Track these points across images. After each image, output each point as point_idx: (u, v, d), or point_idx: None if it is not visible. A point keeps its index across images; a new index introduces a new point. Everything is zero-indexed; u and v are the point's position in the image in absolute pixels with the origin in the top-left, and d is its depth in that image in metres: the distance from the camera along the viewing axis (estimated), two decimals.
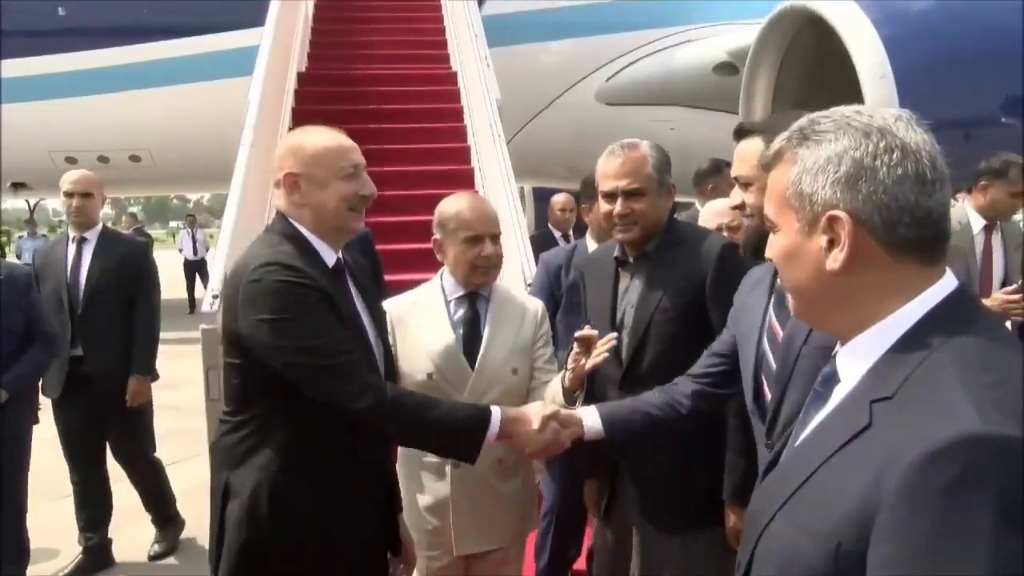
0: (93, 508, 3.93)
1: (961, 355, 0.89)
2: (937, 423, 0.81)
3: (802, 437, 1.05)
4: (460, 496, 2.20)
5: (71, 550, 3.98)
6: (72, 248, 3.79)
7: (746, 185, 1.82)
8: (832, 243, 0.97)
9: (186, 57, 10.33)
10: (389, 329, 2.20)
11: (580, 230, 6.22)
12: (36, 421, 3.53)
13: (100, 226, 3.90)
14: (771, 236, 1.08)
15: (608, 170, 2.21)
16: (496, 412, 1.87)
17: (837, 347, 1.06)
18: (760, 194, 1.74)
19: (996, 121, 7.02)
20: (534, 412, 1.91)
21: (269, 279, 1.73)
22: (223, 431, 1.88)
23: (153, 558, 3.95)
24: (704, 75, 11.13)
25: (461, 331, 2.24)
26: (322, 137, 1.89)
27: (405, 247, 5.38)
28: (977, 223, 3.89)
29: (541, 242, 5.06)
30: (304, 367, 1.74)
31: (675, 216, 2.36)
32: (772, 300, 1.76)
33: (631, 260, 2.27)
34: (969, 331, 0.92)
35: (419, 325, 2.24)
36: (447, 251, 2.24)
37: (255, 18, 8.84)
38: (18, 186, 12.30)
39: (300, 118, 6.81)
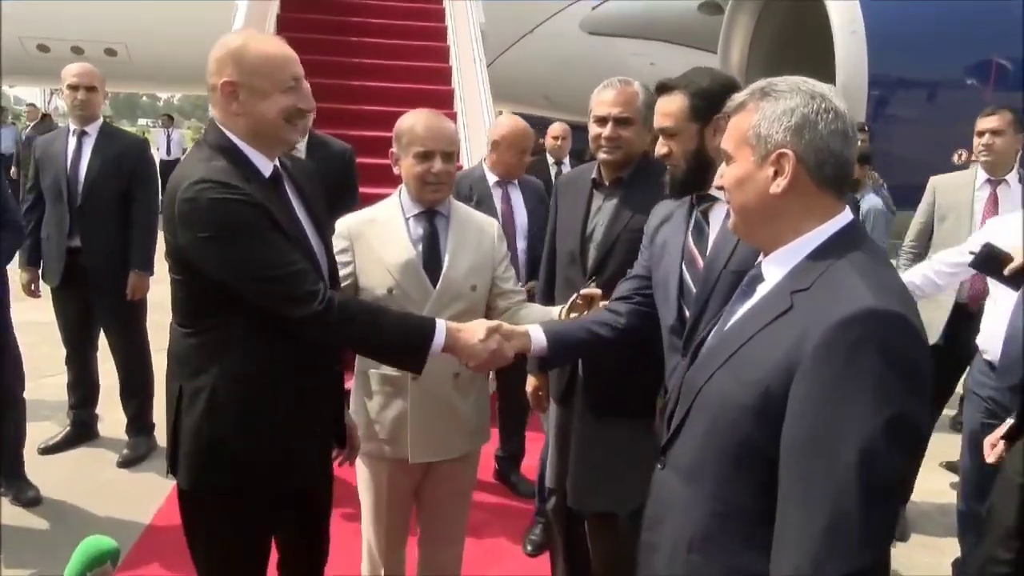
0: (82, 388, 4.23)
1: (857, 262, 1.27)
2: (844, 302, 1.19)
3: (732, 321, 1.41)
4: (417, 408, 2.28)
5: (59, 423, 4.31)
6: (73, 141, 3.88)
7: (671, 136, 2.07)
8: (777, 174, 1.31)
9: None
10: (347, 245, 2.26)
11: (577, 155, 6.42)
12: (8, 304, 3.53)
13: (100, 120, 3.97)
14: (725, 166, 1.41)
15: (604, 98, 2.46)
16: (441, 324, 1.93)
17: (760, 257, 1.43)
18: (684, 143, 2.03)
19: (960, 84, 7.30)
20: (479, 325, 1.98)
21: (203, 197, 1.72)
22: (175, 340, 1.90)
23: (122, 464, 3.98)
24: (689, 12, 11.22)
25: (420, 247, 2.30)
26: (264, 45, 1.83)
27: (384, 162, 5.57)
28: (981, 177, 3.79)
29: (534, 169, 5.15)
30: (248, 279, 1.76)
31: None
32: (691, 233, 2.08)
33: (606, 183, 2.55)
34: (861, 248, 1.30)
35: (379, 241, 2.28)
36: (402, 165, 2.30)
37: None
38: None
39: (285, 25, 6.90)
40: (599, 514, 2.56)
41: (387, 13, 7.31)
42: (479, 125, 5.40)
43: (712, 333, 1.49)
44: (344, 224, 2.31)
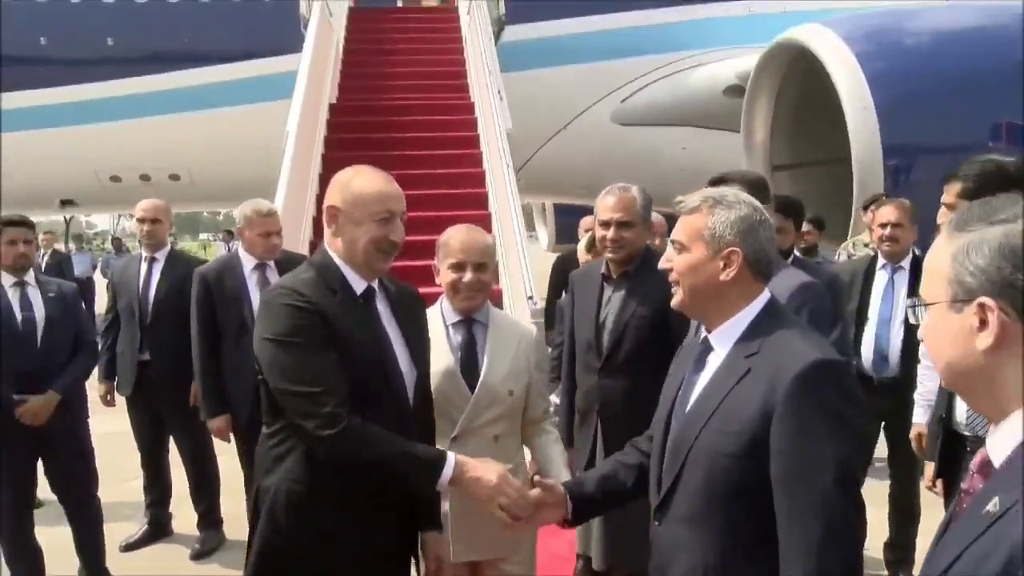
0: (157, 489, 4.63)
1: (788, 327, 1.63)
2: (797, 358, 1.54)
3: (698, 390, 1.72)
4: (458, 507, 2.32)
5: (138, 522, 4.68)
6: (144, 266, 4.37)
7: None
8: (725, 266, 1.67)
9: (222, 83, 10.99)
10: None
11: None
12: (87, 415, 3.93)
13: (168, 247, 4.49)
14: (675, 254, 1.74)
15: (607, 204, 2.85)
16: (451, 459, 1.92)
17: (703, 332, 1.77)
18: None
19: (972, 145, 7.49)
20: (491, 468, 1.93)
21: (276, 301, 1.90)
22: (261, 440, 2.04)
23: (194, 557, 4.27)
24: (715, 97, 11.57)
25: (460, 355, 2.43)
26: (368, 180, 2.01)
27: (424, 263, 6.01)
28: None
29: (566, 261, 5.46)
30: (279, 386, 1.88)
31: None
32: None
33: (614, 276, 2.90)
34: (785, 319, 1.68)
35: None
36: (440, 275, 2.45)
37: (285, 46, 9.57)
38: (66, 203, 13.05)
39: (331, 146, 7.51)
40: (625, 574, 2.79)
41: (425, 127, 7.90)
42: (507, 223, 5.81)
43: (676, 400, 1.77)
44: None
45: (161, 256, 4.42)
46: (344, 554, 1.94)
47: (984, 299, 1.01)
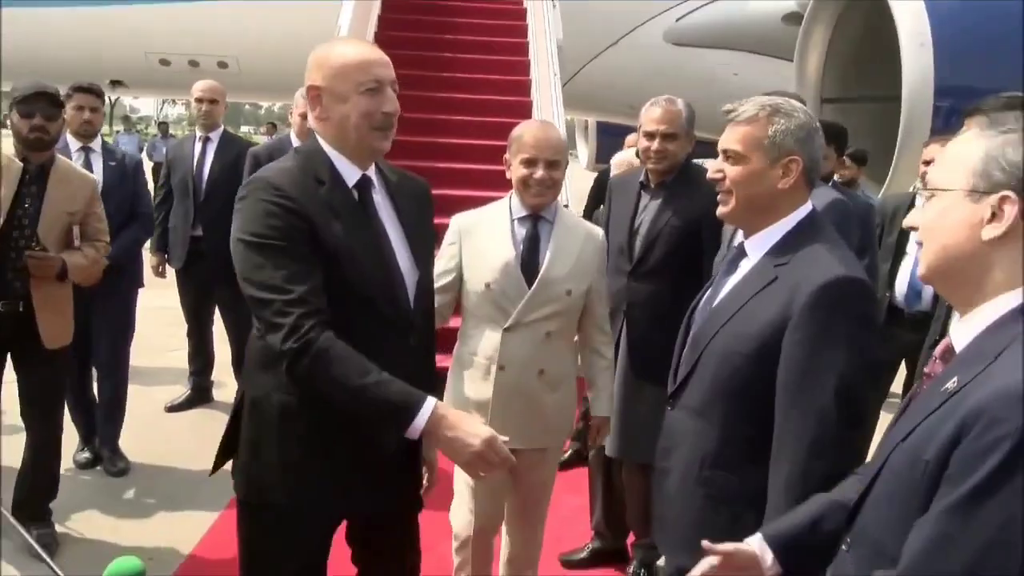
0: (201, 358, 4.94)
1: (824, 241, 1.66)
2: (822, 271, 1.61)
3: (725, 291, 1.79)
4: (500, 396, 2.40)
5: (182, 388, 5.01)
6: (198, 146, 4.57)
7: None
8: (784, 174, 1.69)
9: None
10: (455, 239, 2.46)
11: None
12: (141, 284, 4.24)
13: (221, 128, 4.67)
14: (732, 165, 1.73)
15: (652, 115, 2.91)
16: (430, 403, 1.68)
17: (739, 236, 1.87)
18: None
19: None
20: (477, 429, 1.71)
21: (252, 197, 1.71)
22: (250, 341, 1.88)
23: None
24: (773, 22, 11.30)
25: (521, 249, 2.43)
26: (346, 49, 1.79)
27: (468, 167, 6.16)
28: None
29: (604, 179, 5.53)
30: (248, 290, 1.70)
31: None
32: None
33: (652, 186, 3.00)
34: (822, 232, 1.72)
35: (484, 238, 2.44)
36: (511, 170, 2.44)
37: None
38: (116, 83, 13.22)
39: (381, 44, 7.54)
40: (634, 463, 2.99)
41: (474, 30, 7.89)
42: None
43: (705, 298, 1.89)
44: (456, 221, 2.52)
45: (215, 136, 4.61)
46: (342, 464, 1.80)
47: (1008, 192, 1.11)
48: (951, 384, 1.12)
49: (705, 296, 1.89)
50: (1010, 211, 1.11)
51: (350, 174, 1.82)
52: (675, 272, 2.88)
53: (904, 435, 1.16)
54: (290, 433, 1.79)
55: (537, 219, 2.46)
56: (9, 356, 3.18)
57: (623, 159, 4.54)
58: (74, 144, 3.86)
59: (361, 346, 1.69)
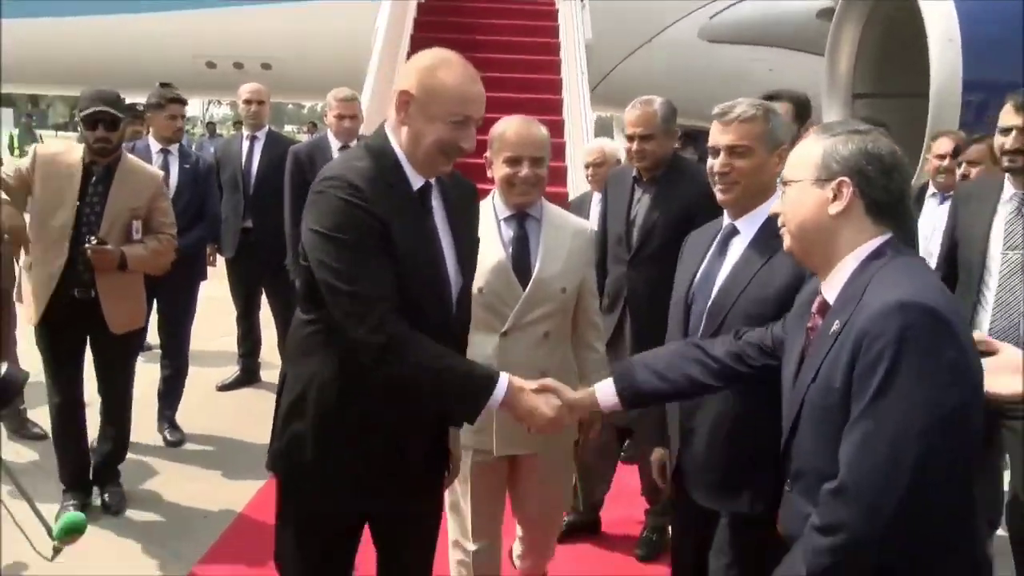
0: (249, 341, 5.31)
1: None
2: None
3: (726, 269, 2.00)
4: None
5: (231, 369, 5.37)
6: (246, 144, 4.93)
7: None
8: (780, 160, 1.88)
9: None
10: None
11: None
12: (204, 277, 4.68)
13: (267, 127, 5.02)
14: (742, 159, 1.96)
15: (629, 118, 3.15)
16: (504, 379, 1.82)
17: (726, 218, 2.08)
18: None
19: None
20: (549, 402, 1.89)
21: (330, 193, 1.74)
22: (294, 326, 1.93)
23: None
24: (807, 18, 11.32)
25: (511, 250, 2.35)
26: (454, 74, 1.81)
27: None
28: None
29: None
30: (328, 286, 1.74)
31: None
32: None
33: (644, 180, 3.23)
34: None
35: None
36: (494, 169, 2.35)
37: None
38: (164, 86, 13.66)
39: (417, 45, 7.85)
40: (643, 439, 3.18)
41: (507, 30, 8.16)
42: (579, 131, 6.13)
43: (701, 275, 2.10)
44: None
45: (261, 135, 4.96)
46: (371, 462, 1.85)
47: (844, 178, 1.48)
48: (835, 327, 1.43)
49: (699, 274, 2.10)
50: (847, 192, 1.47)
51: (415, 180, 1.86)
52: (672, 260, 3.05)
53: (813, 377, 1.46)
54: (323, 419, 1.83)
55: (524, 218, 2.40)
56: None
57: (593, 147, 4.40)
58: (155, 146, 4.32)
59: None
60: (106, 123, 3.30)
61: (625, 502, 3.62)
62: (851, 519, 1.33)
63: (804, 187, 1.52)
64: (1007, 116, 2.75)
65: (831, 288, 1.52)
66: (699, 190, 3.09)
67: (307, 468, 1.86)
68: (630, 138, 3.14)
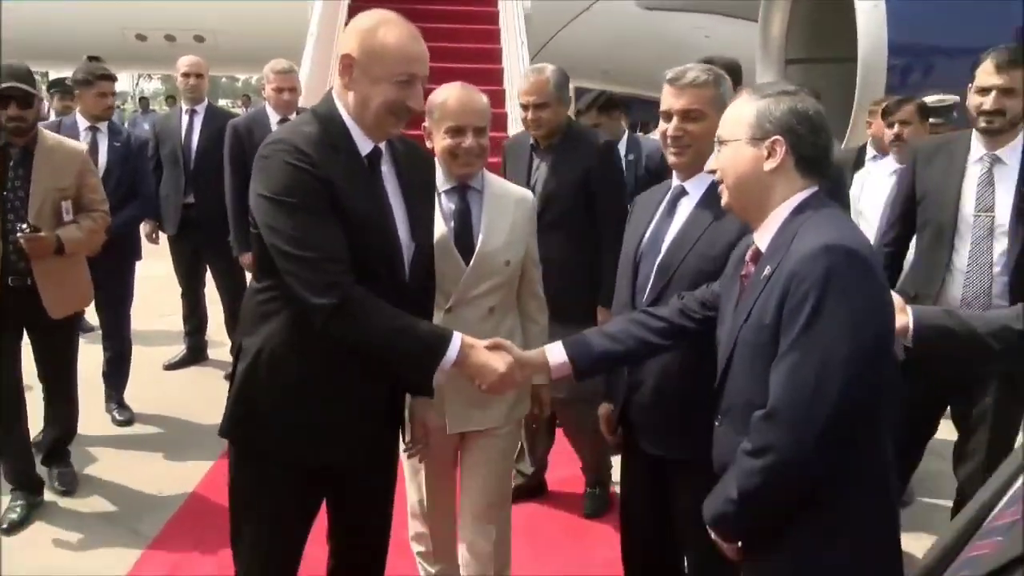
0: (195, 319, 5.26)
1: None
2: None
3: (676, 227, 2.06)
4: (450, 381, 2.13)
5: (177, 348, 5.32)
6: (185, 118, 4.84)
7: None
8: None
9: None
10: None
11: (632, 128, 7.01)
12: (139, 257, 4.51)
13: (206, 101, 4.95)
14: (696, 123, 2.00)
15: (522, 87, 3.23)
16: (457, 338, 1.83)
17: (675, 180, 2.11)
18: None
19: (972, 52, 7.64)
20: (500, 357, 1.88)
21: (276, 157, 1.74)
22: (248, 295, 1.94)
23: (228, 378, 4.70)
24: None
25: (453, 224, 2.28)
26: (393, 33, 1.79)
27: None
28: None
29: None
30: (278, 251, 1.74)
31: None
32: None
33: (541, 147, 3.31)
34: None
35: None
36: (434, 139, 2.26)
37: None
38: (93, 59, 13.30)
39: (354, 14, 7.76)
40: (573, 401, 3.12)
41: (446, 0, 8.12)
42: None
43: (650, 234, 2.13)
44: None
45: (201, 109, 4.89)
46: (326, 416, 1.87)
47: (778, 137, 1.60)
48: (767, 271, 1.56)
49: (648, 233, 2.16)
50: (780, 150, 1.60)
51: (363, 144, 1.86)
52: (574, 224, 3.19)
53: (745, 317, 1.59)
54: (278, 382, 1.84)
55: (465, 190, 2.31)
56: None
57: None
58: (82, 124, 4.16)
59: None
60: (19, 100, 3.12)
61: (569, 460, 3.71)
62: (779, 441, 1.46)
63: (740, 146, 1.63)
64: (986, 75, 2.66)
65: (763, 237, 1.64)
66: (594, 155, 3.25)
67: (262, 422, 1.87)
68: (524, 107, 3.20)
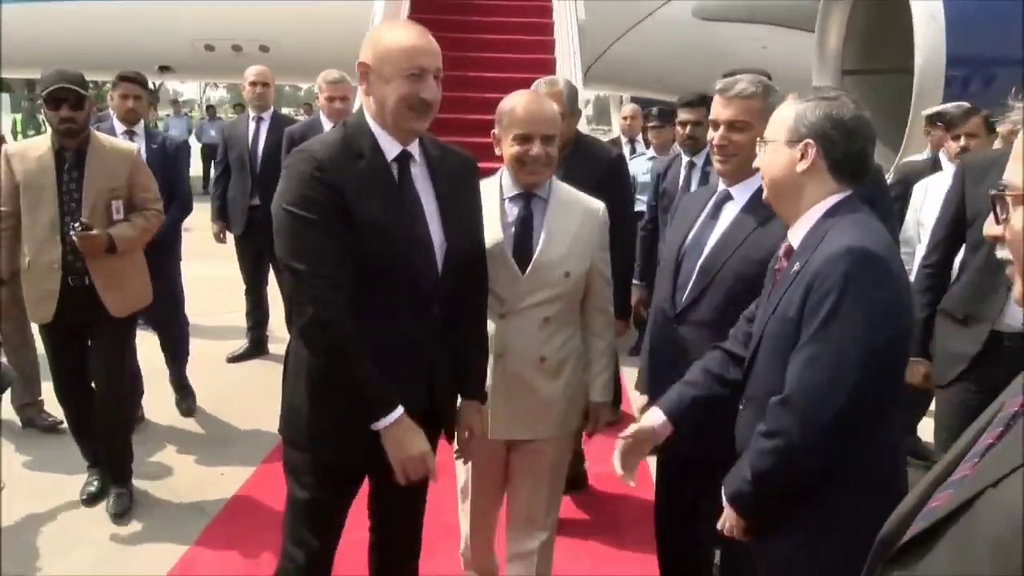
0: (257, 314, 5.53)
1: None
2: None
3: (719, 231, 2.14)
4: (500, 384, 2.24)
5: (239, 342, 5.60)
6: (252, 125, 5.12)
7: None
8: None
9: None
10: None
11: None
12: (179, 259, 4.54)
13: (272, 108, 5.22)
14: (742, 133, 2.08)
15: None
16: (395, 414, 1.85)
17: (721, 185, 2.20)
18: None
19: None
20: (419, 442, 1.88)
21: (293, 166, 1.82)
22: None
23: None
24: None
25: (513, 231, 2.25)
26: (398, 34, 1.87)
27: (487, 141, 6.59)
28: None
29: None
30: (278, 256, 1.84)
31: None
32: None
33: None
34: None
35: None
36: (502, 146, 2.26)
37: None
38: (164, 69, 13.86)
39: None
40: None
41: (502, 11, 8.32)
42: None
43: (692, 237, 2.21)
44: None
45: (267, 116, 5.16)
46: (358, 418, 1.89)
47: (809, 140, 1.68)
48: (796, 267, 1.66)
49: (691, 235, 2.24)
50: (811, 152, 1.68)
51: (390, 148, 1.91)
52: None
53: (773, 308, 1.69)
54: (312, 383, 1.93)
55: (530, 197, 2.29)
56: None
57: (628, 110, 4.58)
58: (119, 128, 4.16)
59: (375, 314, 1.85)
60: (70, 102, 3.16)
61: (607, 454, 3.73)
62: (791, 426, 1.57)
63: (778, 147, 1.73)
64: None
65: (796, 234, 1.73)
66: (601, 163, 3.36)
67: (304, 426, 1.97)
68: None
